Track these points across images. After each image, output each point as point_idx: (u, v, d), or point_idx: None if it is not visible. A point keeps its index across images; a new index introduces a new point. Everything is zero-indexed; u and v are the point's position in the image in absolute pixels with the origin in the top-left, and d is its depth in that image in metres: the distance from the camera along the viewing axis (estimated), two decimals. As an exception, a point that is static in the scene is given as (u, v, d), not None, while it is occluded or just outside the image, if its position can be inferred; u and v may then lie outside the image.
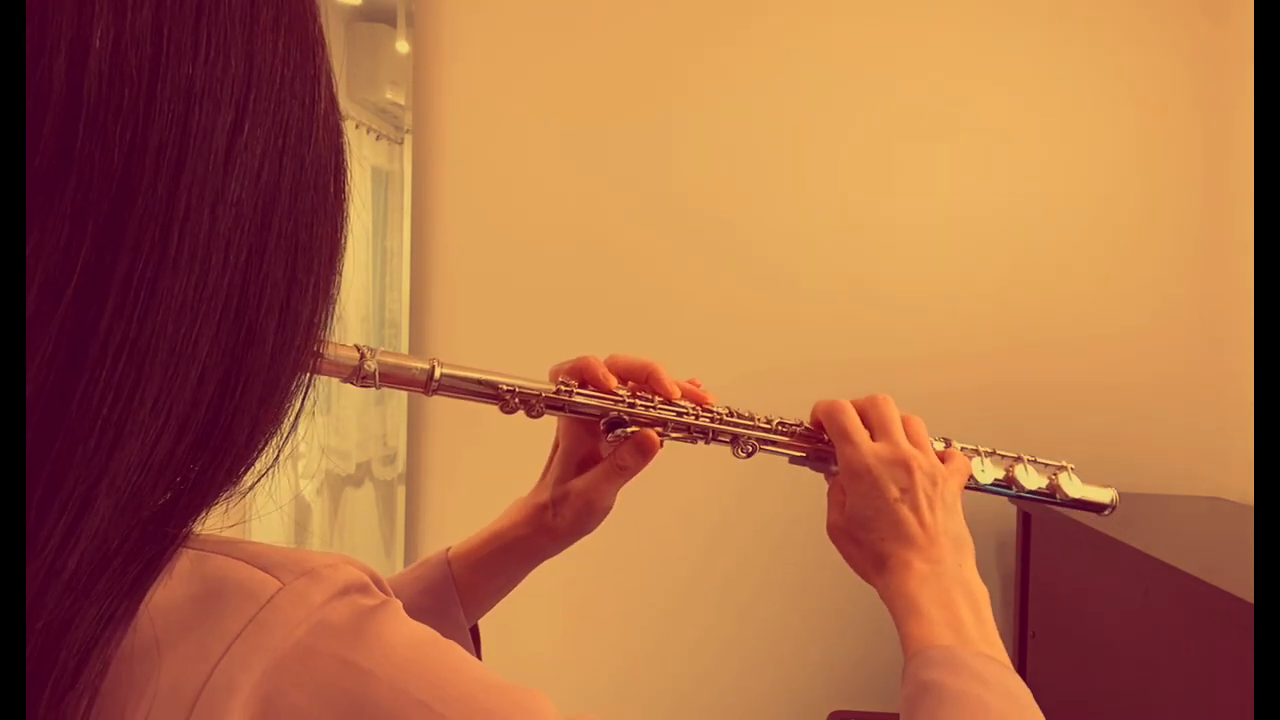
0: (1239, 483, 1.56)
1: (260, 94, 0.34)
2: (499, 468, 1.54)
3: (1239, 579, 0.95)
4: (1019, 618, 1.52)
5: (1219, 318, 1.67)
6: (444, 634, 0.39)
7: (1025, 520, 1.51)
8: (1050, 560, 1.46)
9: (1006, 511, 1.55)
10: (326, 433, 1.68)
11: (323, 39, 0.38)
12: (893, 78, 1.71)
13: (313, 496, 1.71)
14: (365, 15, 1.72)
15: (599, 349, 1.91)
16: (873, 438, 0.68)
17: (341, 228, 0.39)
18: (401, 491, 1.73)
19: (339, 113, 0.39)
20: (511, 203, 1.74)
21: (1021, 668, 1.51)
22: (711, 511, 1.68)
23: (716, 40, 1.73)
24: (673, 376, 0.72)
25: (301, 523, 1.68)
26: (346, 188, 0.39)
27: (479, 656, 0.70)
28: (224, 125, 0.33)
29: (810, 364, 1.71)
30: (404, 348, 1.71)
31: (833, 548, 0.70)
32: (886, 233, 1.72)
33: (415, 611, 0.39)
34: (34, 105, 0.29)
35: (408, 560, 1.73)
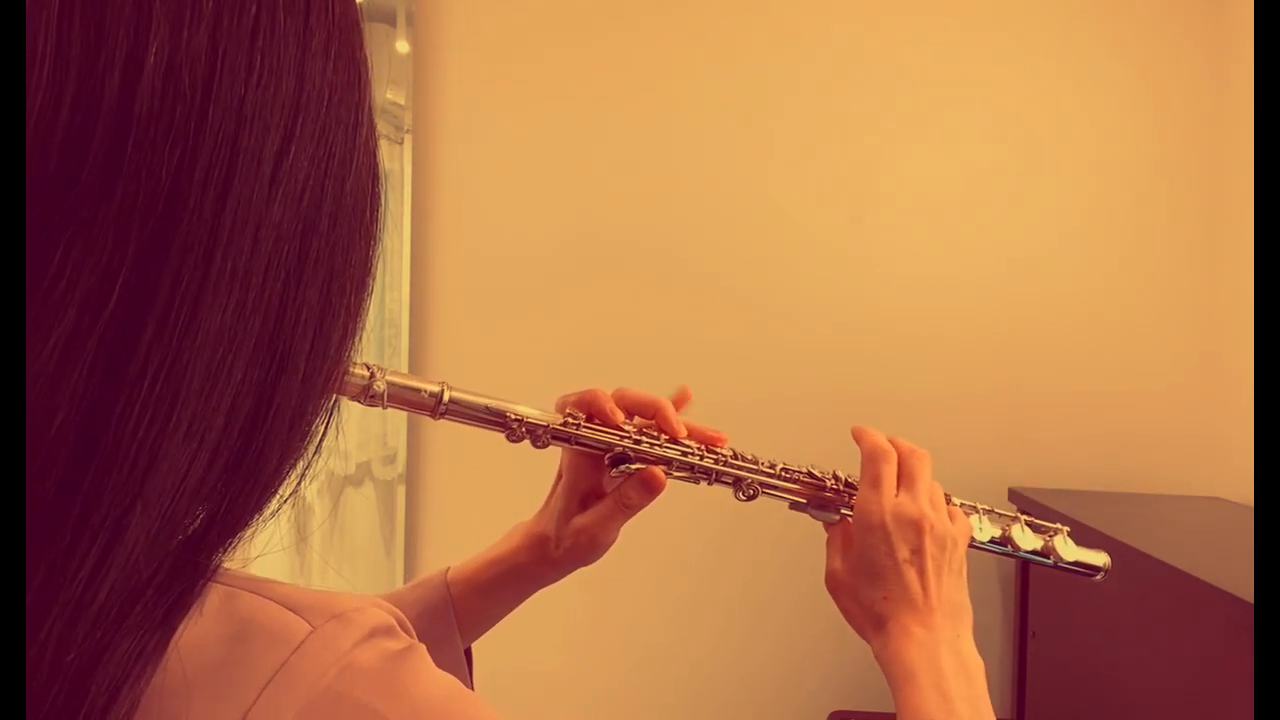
0: (1239, 483, 1.56)
1: (308, 118, 0.34)
2: (499, 468, 1.54)
3: (1239, 579, 0.95)
4: (1019, 618, 1.52)
5: (1219, 318, 1.67)
6: (439, 655, 0.39)
7: (1025, 520, 1.51)
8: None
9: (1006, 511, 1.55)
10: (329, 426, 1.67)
11: (367, 64, 0.38)
12: (892, 80, 1.71)
13: (313, 496, 1.71)
14: (365, 15, 1.71)
15: (597, 350, 1.92)
16: (896, 491, 0.68)
17: (374, 253, 0.39)
18: (401, 491, 1.73)
19: (376, 137, 0.39)
20: (511, 202, 1.74)
21: (1021, 668, 1.51)
22: (717, 514, 1.68)
23: (718, 41, 1.73)
24: (667, 382, 0.71)
25: (302, 523, 1.68)
26: (381, 213, 0.39)
27: (471, 677, 0.70)
28: (271, 148, 0.33)
29: (816, 352, 1.71)
30: (404, 347, 1.71)
31: None
32: (885, 228, 1.72)
33: (414, 634, 0.39)
34: (84, 119, 0.29)
35: (408, 560, 1.73)
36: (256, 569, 0.38)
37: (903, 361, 1.70)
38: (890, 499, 0.66)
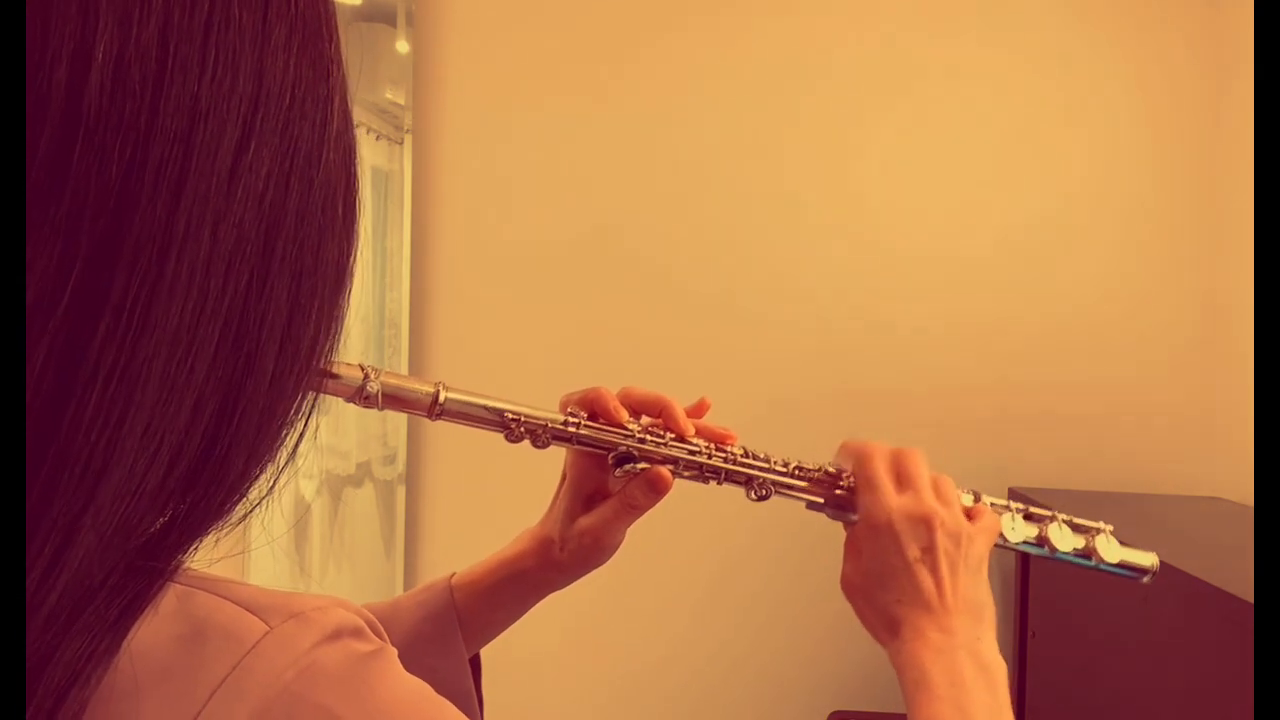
0: (1239, 483, 1.56)
1: (268, 114, 0.33)
2: (500, 468, 1.53)
3: (1239, 579, 0.95)
4: (1019, 618, 1.52)
5: (1220, 319, 1.67)
6: (444, 663, 0.38)
7: (1025, 520, 1.51)
8: (1050, 559, 1.46)
9: (1006, 511, 1.55)
10: (326, 433, 1.67)
11: (338, 58, 0.37)
12: (888, 80, 1.71)
13: (313, 496, 1.71)
14: (365, 15, 1.72)
15: (598, 350, 1.91)
16: (898, 490, 0.65)
17: (350, 250, 0.38)
18: (401, 491, 1.73)
19: (353, 132, 0.38)
20: (511, 202, 1.74)
21: (1021, 668, 1.51)
22: (713, 512, 1.68)
23: (719, 42, 1.73)
24: (683, 394, 0.69)
25: (301, 523, 1.68)
26: (357, 209, 0.38)
27: (479, 684, 0.68)
28: (229, 145, 0.32)
29: (815, 353, 1.71)
30: (404, 348, 1.71)
31: (835, 550, 0.69)
32: (884, 231, 1.72)
33: (416, 638, 0.38)
34: (31, 117, 0.28)
35: (408, 560, 1.73)
36: (254, 567, 0.37)
37: (903, 362, 1.70)
38: (893, 497, 0.64)
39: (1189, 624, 1.04)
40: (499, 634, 0.70)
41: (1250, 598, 0.88)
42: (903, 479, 0.66)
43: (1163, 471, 1.68)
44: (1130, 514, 1.43)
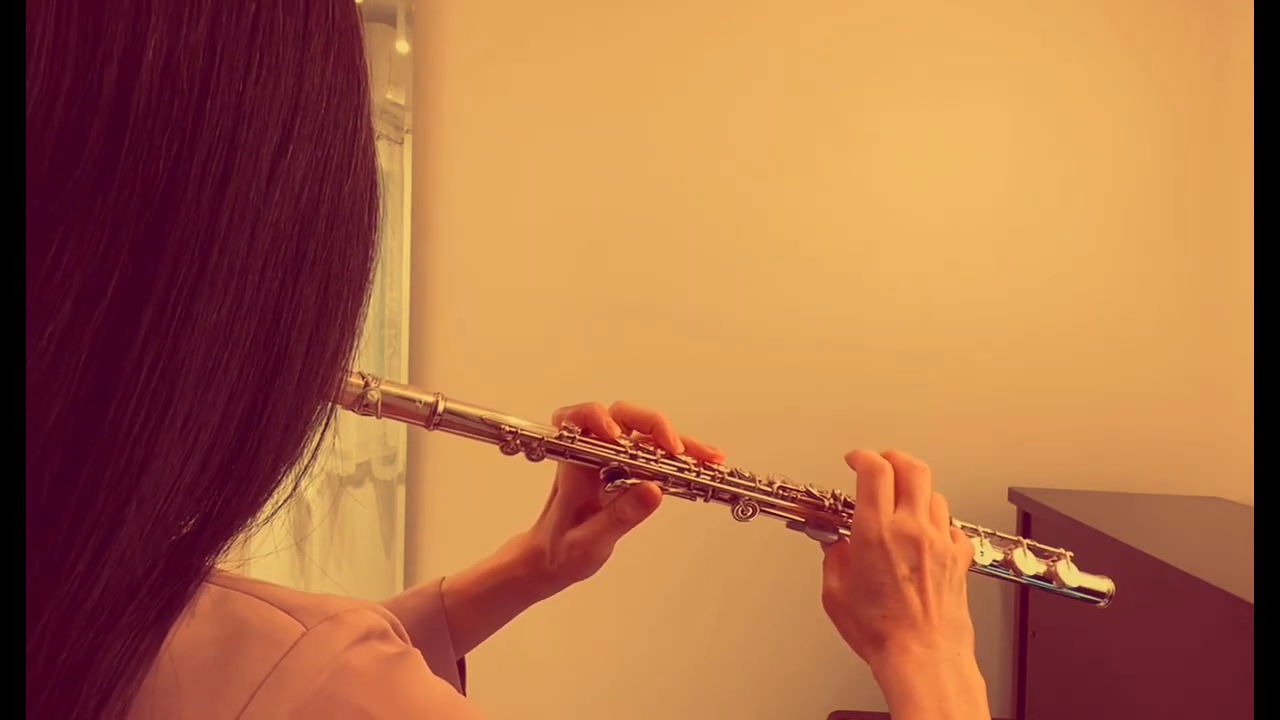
0: (1239, 483, 1.56)
1: (306, 118, 0.34)
2: (499, 469, 1.53)
3: (1239, 579, 0.95)
4: (1019, 618, 1.52)
5: (1220, 318, 1.67)
6: (431, 666, 0.39)
7: (1025, 520, 1.51)
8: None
9: (1006, 511, 1.55)
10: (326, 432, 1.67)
11: (367, 71, 0.38)
12: (895, 96, 1.72)
13: (313, 496, 1.71)
14: (365, 15, 1.71)
15: (596, 351, 1.91)
16: (894, 508, 0.66)
17: (372, 259, 0.39)
18: (401, 491, 1.73)
19: (375, 145, 0.39)
20: (511, 202, 1.74)
21: (1021, 668, 1.51)
22: (716, 513, 1.67)
23: (723, 43, 1.73)
24: (683, 392, 0.71)
25: (301, 523, 1.68)
26: (379, 220, 0.39)
27: (464, 688, 0.70)
28: (270, 146, 0.33)
29: (819, 348, 1.71)
30: (404, 347, 1.71)
31: None
32: (887, 232, 1.72)
33: None
34: (81, 111, 0.29)
35: (408, 560, 1.73)
36: (256, 568, 0.37)
37: (906, 361, 1.70)
38: (888, 515, 0.65)
39: (1189, 624, 1.04)
40: (485, 639, 0.71)
41: (1250, 598, 0.88)
42: (902, 495, 0.67)
43: (1164, 472, 1.68)
44: (1131, 514, 1.43)
